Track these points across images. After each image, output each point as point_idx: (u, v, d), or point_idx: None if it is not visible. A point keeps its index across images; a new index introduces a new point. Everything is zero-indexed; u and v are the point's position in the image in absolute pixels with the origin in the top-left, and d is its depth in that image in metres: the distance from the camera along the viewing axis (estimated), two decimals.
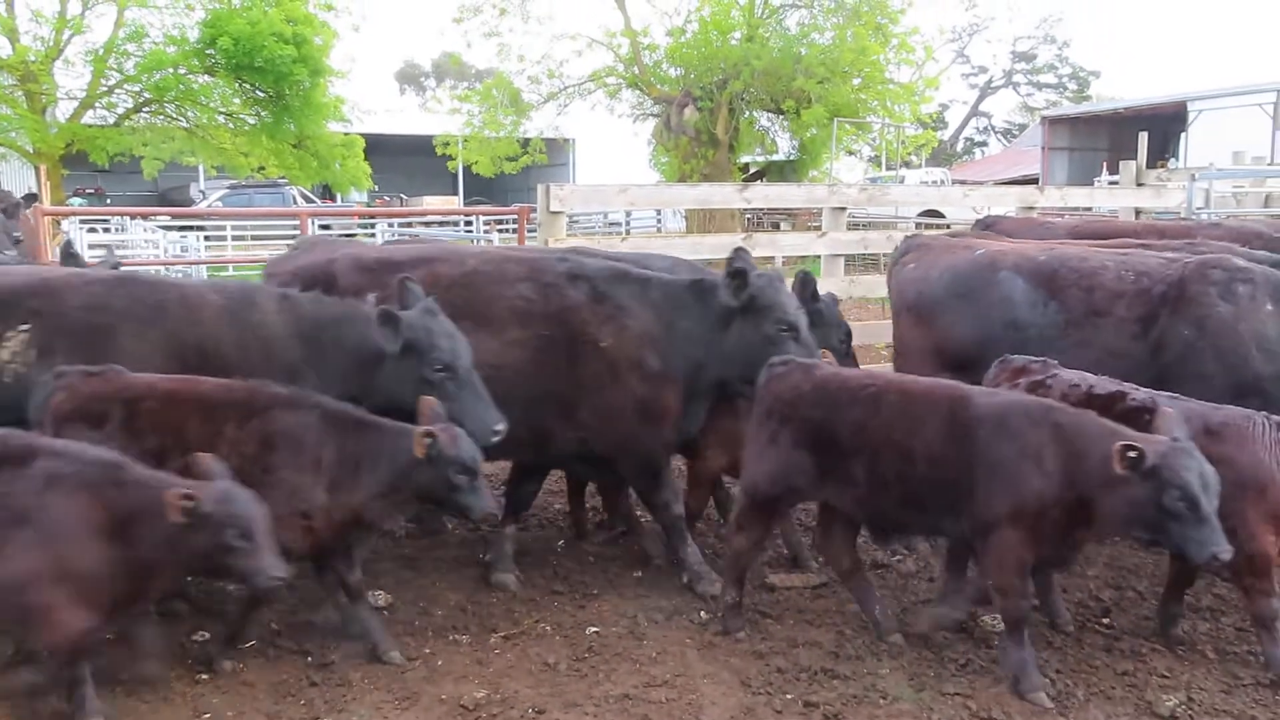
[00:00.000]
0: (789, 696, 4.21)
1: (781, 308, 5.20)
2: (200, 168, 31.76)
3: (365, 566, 5.47)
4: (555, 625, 4.86)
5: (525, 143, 28.43)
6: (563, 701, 4.14)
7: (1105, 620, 4.95)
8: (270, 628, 4.75)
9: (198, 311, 4.75)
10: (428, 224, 26.12)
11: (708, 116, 25.44)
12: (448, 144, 29.63)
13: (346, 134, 24.91)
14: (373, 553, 5.70)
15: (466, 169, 32.18)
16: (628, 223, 30.35)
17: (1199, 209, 12.95)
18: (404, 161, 42.70)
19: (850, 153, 32.73)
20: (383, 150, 33.85)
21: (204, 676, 4.31)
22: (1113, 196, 14.10)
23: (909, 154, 33.48)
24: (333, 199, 35.04)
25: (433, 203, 37.19)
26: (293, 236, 22.67)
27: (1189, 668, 4.49)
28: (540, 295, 5.26)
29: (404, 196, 40.86)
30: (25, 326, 4.49)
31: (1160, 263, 5.75)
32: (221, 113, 23.14)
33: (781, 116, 26.95)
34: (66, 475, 3.70)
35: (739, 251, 5.34)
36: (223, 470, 3.86)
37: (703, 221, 22.20)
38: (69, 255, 7.06)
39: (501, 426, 4.70)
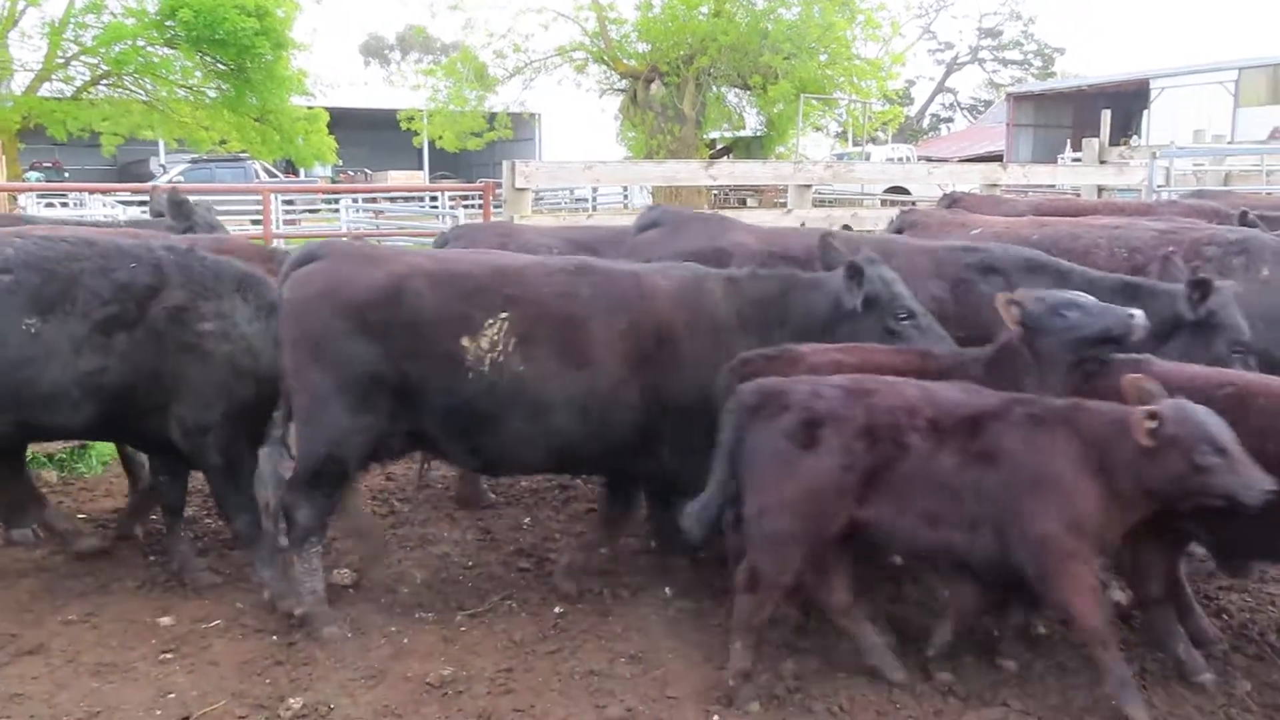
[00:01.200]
0: None
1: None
2: (160, 142, 31.27)
3: (330, 545, 5.51)
4: (522, 603, 4.88)
5: (491, 118, 28.24)
6: (529, 678, 4.17)
7: None
8: (236, 606, 4.75)
9: (653, 297, 4.69)
10: (392, 199, 25.94)
11: (674, 92, 25.42)
12: (412, 119, 29.37)
13: (310, 108, 24.61)
14: (339, 535, 5.71)
15: (431, 144, 31.92)
16: (594, 199, 30.28)
17: (1160, 186, 13.12)
18: (368, 136, 42.28)
19: (817, 129, 32.83)
20: (347, 124, 33.44)
21: (168, 656, 4.31)
22: (1075, 174, 14.25)
23: (875, 130, 33.58)
24: (296, 174, 34.66)
25: (397, 178, 36.92)
26: (256, 212, 22.46)
27: (1142, 637, 4.58)
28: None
29: (368, 171, 40.52)
30: (504, 315, 4.50)
31: (1152, 237, 5.82)
32: (182, 86, 22.76)
33: (748, 92, 26.98)
34: (1041, 415, 3.69)
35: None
36: (1160, 390, 3.67)
37: (669, 198, 22.15)
38: (176, 204, 7.55)
39: None
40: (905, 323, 4.65)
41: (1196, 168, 18.41)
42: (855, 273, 4.63)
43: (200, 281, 4.76)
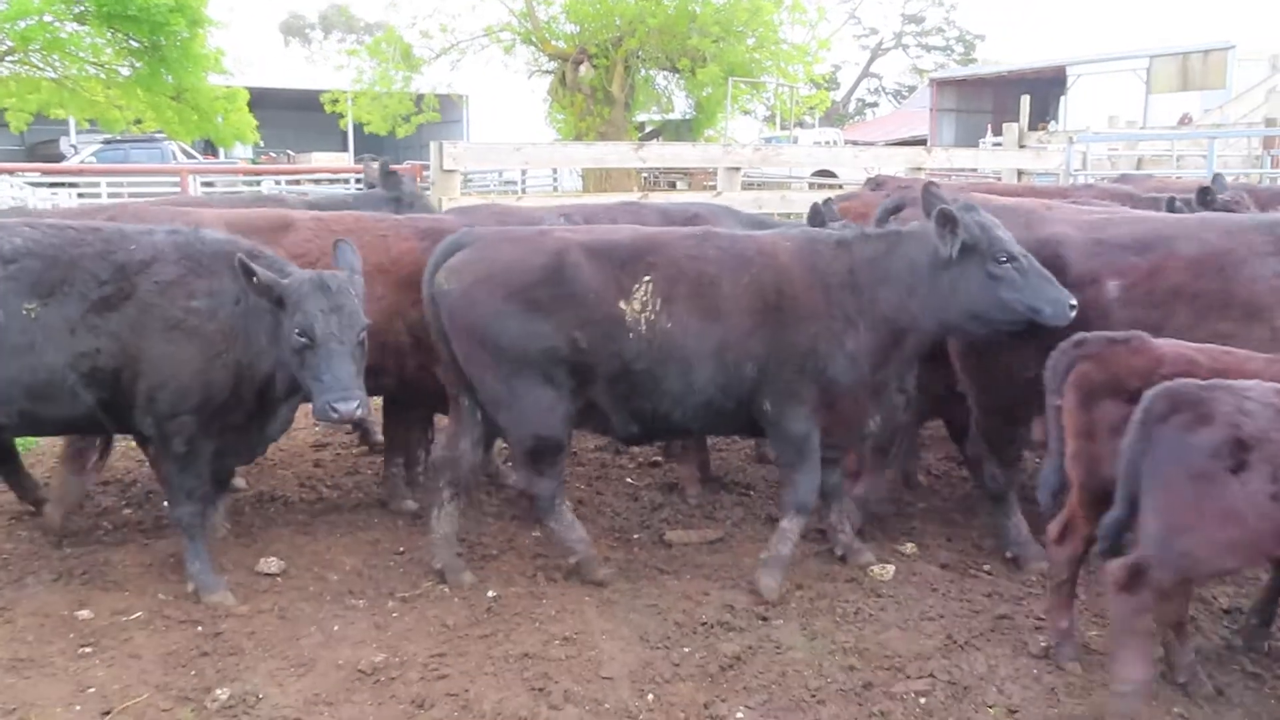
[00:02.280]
0: (686, 650, 4.29)
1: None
2: (71, 121, 30.22)
3: (257, 534, 5.41)
4: (455, 588, 4.84)
5: (418, 100, 27.83)
6: (462, 662, 4.15)
7: (986, 567, 5.16)
8: (158, 598, 4.64)
9: (774, 258, 4.85)
10: (317, 181, 25.44)
11: (603, 74, 25.31)
12: (336, 100, 28.81)
13: (229, 87, 23.96)
14: (265, 520, 5.61)
15: (358, 126, 31.35)
16: (523, 181, 30.03)
17: (1076, 170, 13.44)
18: (291, 117, 41.35)
19: (745, 112, 32.98)
20: (269, 105, 32.66)
21: (87, 649, 4.19)
22: (996, 158, 14.53)
23: (802, 114, 33.85)
24: (215, 154, 33.77)
25: (321, 160, 36.19)
26: (173, 193, 21.84)
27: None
28: None
29: (291, 153, 39.64)
30: (647, 278, 4.74)
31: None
32: (92, 63, 21.94)
33: (677, 75, 26.96)
34: None
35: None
36: None
37: (599, 180, 22.10)
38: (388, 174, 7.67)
39: (1075, 301, 4.62)
40: (1006, 266, 4.66)
41: (1111, 152, 18.91)
42: (947, 220, 4.68)
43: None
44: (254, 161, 35.86)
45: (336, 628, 4.43)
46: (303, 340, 4.35)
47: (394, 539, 5.44)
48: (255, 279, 4.37)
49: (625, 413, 4.86)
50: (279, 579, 4.89)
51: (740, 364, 4.77)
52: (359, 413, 4.38)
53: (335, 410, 4.30)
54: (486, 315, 4.67)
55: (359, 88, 27.88)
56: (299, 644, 4.28)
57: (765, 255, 4.87)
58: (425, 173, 8.82)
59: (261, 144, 32.77)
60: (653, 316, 4.71)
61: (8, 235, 4.51)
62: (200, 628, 4.38)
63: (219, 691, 3.86)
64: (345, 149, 41.14)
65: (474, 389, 4.86)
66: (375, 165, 8.51)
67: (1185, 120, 26.32)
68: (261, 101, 26.90)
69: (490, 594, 4.76)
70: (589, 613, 4.61)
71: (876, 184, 9.04)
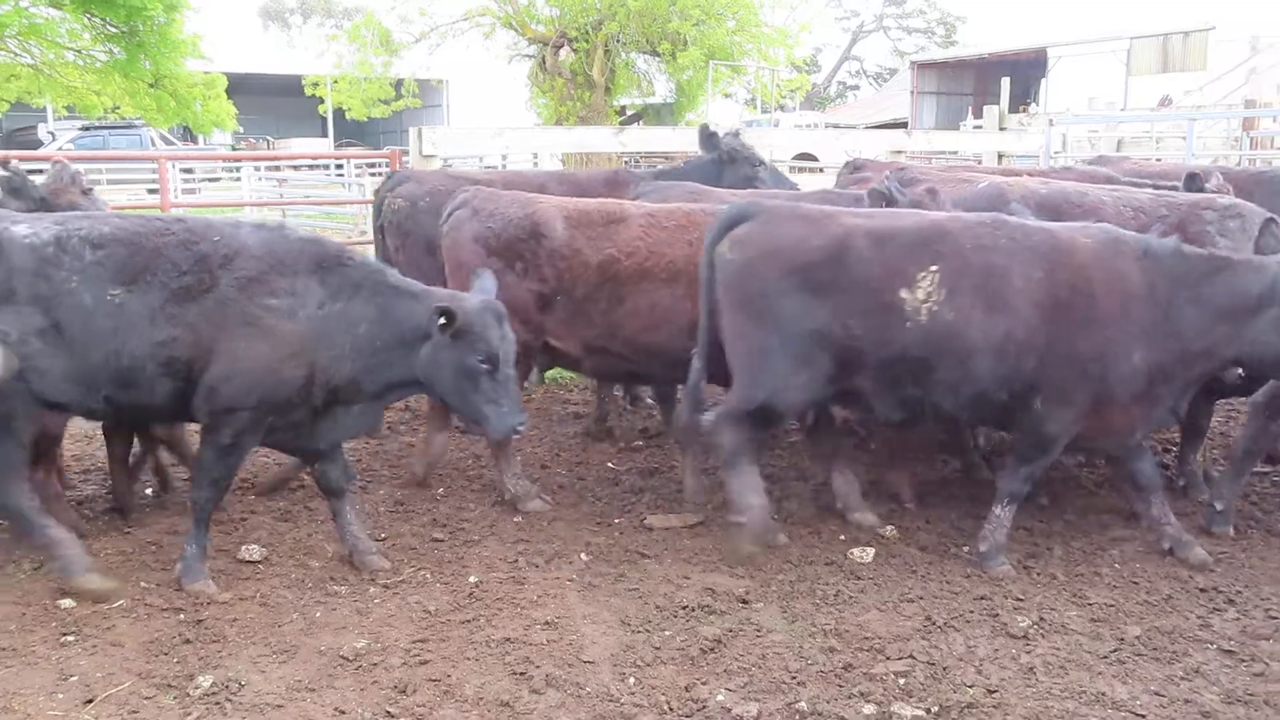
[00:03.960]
0: (667, 633, 4.32)
1: None
2: (49, 108, 29.90)
3: (239, 521, 5.40)
4: (435, 572, 4.86)
5: (398, 84, 27.64)
6: (444, 648, 4.16)
7: (965, 548, 5.20)
8: (140, 585, 4.63)
9: (1070, 254, 4.78)
10: (296, 168, 25.29)
11: (583, 58, 25.16)
12: (317, 85, 28.57)
13: (207, 73, 23.73)
14: (249, 511, 5.60)
15: (338, 112, 31.12)
16: (504, 166, 29.93)
17: (1057, 152, 13.49)
18: (271, 103, 41.08)
19: (726, 96, 32.88)
20: (248, 90, 32.40)
21: (69, 638, 4.18)
22: (976, 140, 14.57)
23: (783, 97, 33.78)
24: (194, 141, 33.50)
25: (301, 146, 35.96)
26: (152, 180, 21.67)
27: (1041, 589, 4.77)
28: None
29: (270, 139, 39.37)
30: (934, 267, 4.71)
31: (1151, 199, 6.14)
32: (70, 49, 21.72)
33: (657, 59, 26.82)
34: None
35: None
36: None
37: (580, 164, 22.02)
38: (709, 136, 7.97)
39: None
40: None
41: (1091, 134, 18.98)
42: None
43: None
44: (234, 148, 35.61)
45: (319, 614, 4.44)
46: (485, 367, 4.57)
47: (375, 525, 5.44)
48: (453, 319, 4.51)
49: (892, 398, 4.91)
50: (261, 566, 4.89)
51: (1022, 359, 4.74)
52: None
53: (519, 430, 4.71)
54: (763, 288, 4.78)
55: (339, 73, 27.65)
56: (281, 631, 4.28)
57: (1061, 252, 4.79)
58: (404, 158, 8.78)
59: (241, 130, 32.56)
60: (936, 307, 4.71)
61: (98, 223, 4.57)
62: (182, 615, 4.38)
63: (201, 679, 3.86)
64: (324, 134, 40.90)
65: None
66: (701, 130, 8.64)
67: (1165, 102, 26.43)
68: (241, 87, 26.69)
69: (472, 579, 4.78)
70: (570, 597, 4.63)
71: (855, 167, 9.06)
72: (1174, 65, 32.79)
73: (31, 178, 5.78)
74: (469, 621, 4.39)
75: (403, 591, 4.67)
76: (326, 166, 25.35)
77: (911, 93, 43.95)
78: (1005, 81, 16.51)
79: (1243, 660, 4.16)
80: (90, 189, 6.00)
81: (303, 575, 4.82)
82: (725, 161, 8.06)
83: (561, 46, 25.47)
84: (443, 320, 4.53)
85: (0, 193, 5.54)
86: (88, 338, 4.40)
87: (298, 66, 30.70)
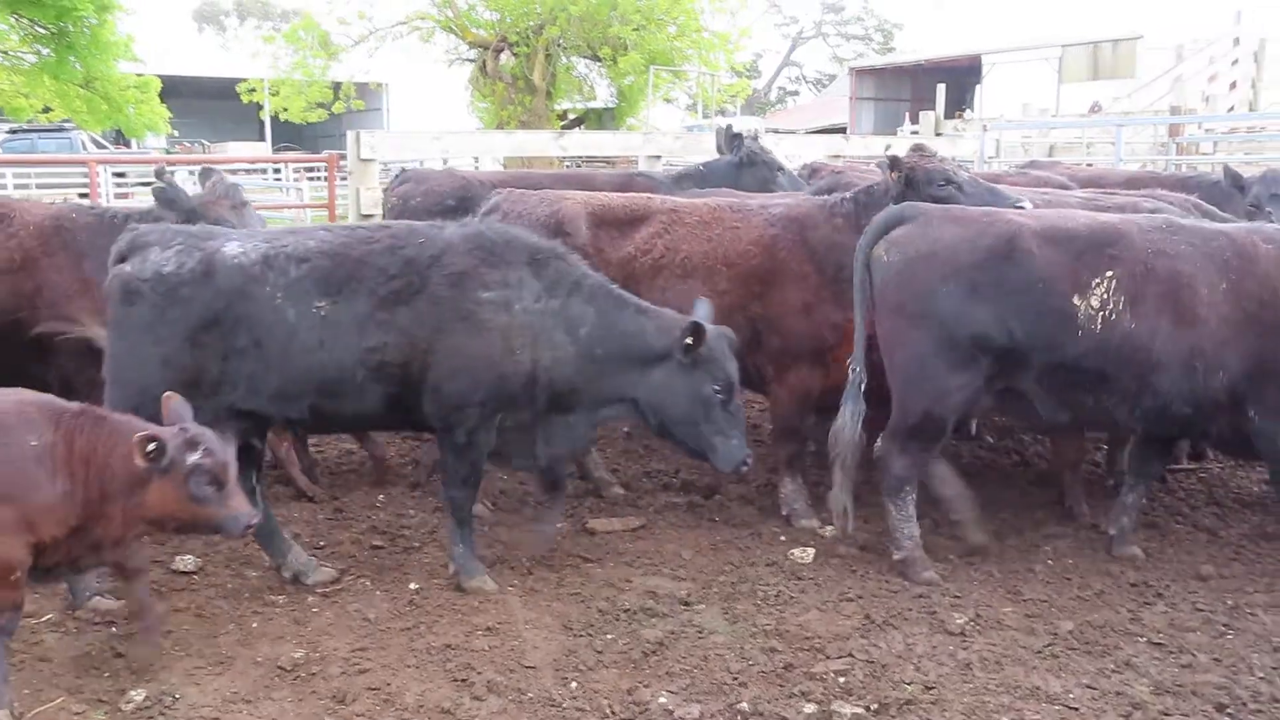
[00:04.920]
0: (609, 636, 4.31)
1: None
2: None
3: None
4: (375, 580, 4.81)
5: (336, 88, 27.34)
6: (384, 656, 4.12)
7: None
8: (69, 599, 4.51)
9: (1253, 261, 4.63)
10: (234, 172, 24.86)
11: (524, 62, 25.16)
12: (254, 89, 28.15)
13: (140, 75, 23.25)
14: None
15: (275, 116, 30.68)
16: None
17: (990, 157, 13.73)
18: (207, 106, 40.36)
19: (668, 101, 33.03)
20: (182, 94, 31.75)
21: None
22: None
23: (724, 102, 34.02)
24: (127, 145, 32.78)
25: (238, 150, 35.35)
26: (83, 185, 21.13)
27: (977, 587, 4.85)
28: None
29: (206, 143, 38.65)
30: (1110, 273, 4.59)
31: (1080, 203, 6.25)
32: None
33: (599, 63, 26.89)
34: None
35: None
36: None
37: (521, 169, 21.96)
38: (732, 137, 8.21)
39: None
40: None
41: (1025, 140, 19.35)
42: None
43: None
44: (168, 152, 34.89)
45: (255, 624, 4.37)
46: (721, 395, 4.52)
47: (313, 533, 5.38)
48: (701, 341, 4.46)
49: (1058, 403, 4.80)
50: (195, 577, 4.80)
51: (1211, 372, 4.59)
52: None
53: (747, 465, 4.68)
54: (922, 292, 4.70)
55: (275, 75, 27.27)
56: (216, 642, 4.21)
57: (1243, 258, 4.67)
58: (342, 162, 8.69)
59: (176, 134, 31.90)
60: (1112, 315, 4.59)
61: (304, 238, 4.60)
62: (114, 628, 4.28)
63: (134, 693, 3.77)
64: (262, 138, 40.27)
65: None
66: (722, 130, 8.81)
67: (1095, 108, 27.03)
68: (175, 91, 26.19)
69: (412, 586, 4.73)
70: (512, 603, 4.61)
71: (812, 170, 9.18)
72: (1104, 72, 33.56)
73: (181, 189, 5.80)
74: (409, 629, 4.35)
75: (342, 600, 4.61)
76: (264, 171, 24.92)
77: (850, 99, 44.49)
78: (941, 88, 16.83)
79: (1171, 652, 4.26)
80: (246, 202, 5.94)
81: (239, 585, 4.74)
82: (745, 164, 8.13)
83: (502, 51, 25.44)
84: (690, 341, 4.43)
85: (155, 204, 5.54)
86: (290, 351, 4.37)
87: (233, 70, 30.20)
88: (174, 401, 3.85)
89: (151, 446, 3.56)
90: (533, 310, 4.52)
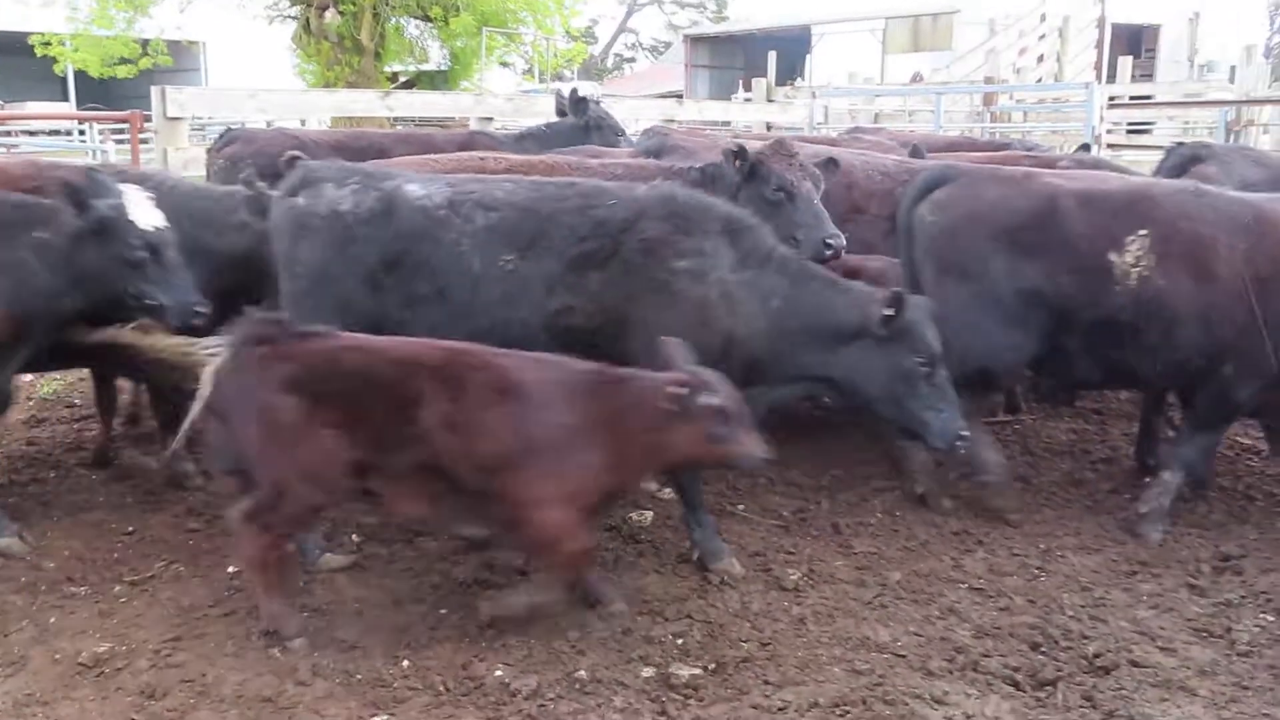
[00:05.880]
0: (443, 611, 4.18)
1: None
2: None
3: None
4: (190, 566, 4.52)
5: (144, 44, 25.62)
6: (199, 645, 3.87)
7: (741, 507, 5.31)
8: None
9: (1273, 225, 4.77)
10: (32, 132, 23.04)
11: (350, 21, 24.12)
12: (49, 44, 26.08)
13: None
14: None
15: (80, 74, 28.52)
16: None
17: (820, 124, 14.04)
18: (2, 62, 37.22)
19: (504, 65, 32.43)
20: None
21: None
22: (745, 111, 14.97)
23: (560, 67, 33.66)
24: None
25: (38, 110, 32.79)
26: None
27: (810, 543, 4.93)
28: None
29: (1, 102, 35.70)
30: (1142, 232, 4.72)
31: (895, 164, 6.50)
32: None
33: (430, 24, 26.10)
34: None
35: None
36: None
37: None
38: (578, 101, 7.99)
39: None
40: None
41: (851, 107, 19.89)
42: None
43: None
44: None
45: (53, 619, 4.03)
46: (925, 369, 4.28)
47: (122, 518, 5.01)
48: (902, 310, 4.22)
49: (1094, 360, 4.90)
50: None
51: (1221, 327, 4.73)
52: None
53: (964, 439, 4.46)
54: (970, 252, 4.80)
55: (74, 29, 25.32)
56: (8, 641, 3.86)
57: (1266, 223, 4.79)
58: (146, 121, 8.11)
59: None
60: (1146, 272, 4.71)
61: (492, 187, 4.42)
62: None
63: None
64: (65, 98, 37.47)
65: None
66: (565, 92, 8.85)
67: (916, 78, 28.04)
68: None
69: (230, 570, 4.46)
70: (340, 580, 4.41)
71: (654, 134, 9.16)
72: (924, 44, 34.87)
73: None
74: (228, 615, 4.10)
75: (153, 588, 4.31)
76: (68, 131, 23.19)
77: (685, 66, 44.81)
78: (773, 56, 17.07)
79: (990, 596, 4.44)
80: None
81: (35, 578, 4.36)
82: (591, 128, 8.18)
83: (327, 8, 24.31)
84: (890, 311, 4.18)
85: None
86: (474, 304, 4.11)
87: (29, 23, 27.85)
88: (673, 344, 3.87)
89: (678, 395, 3.64)
90: (728, 281, 4.29)
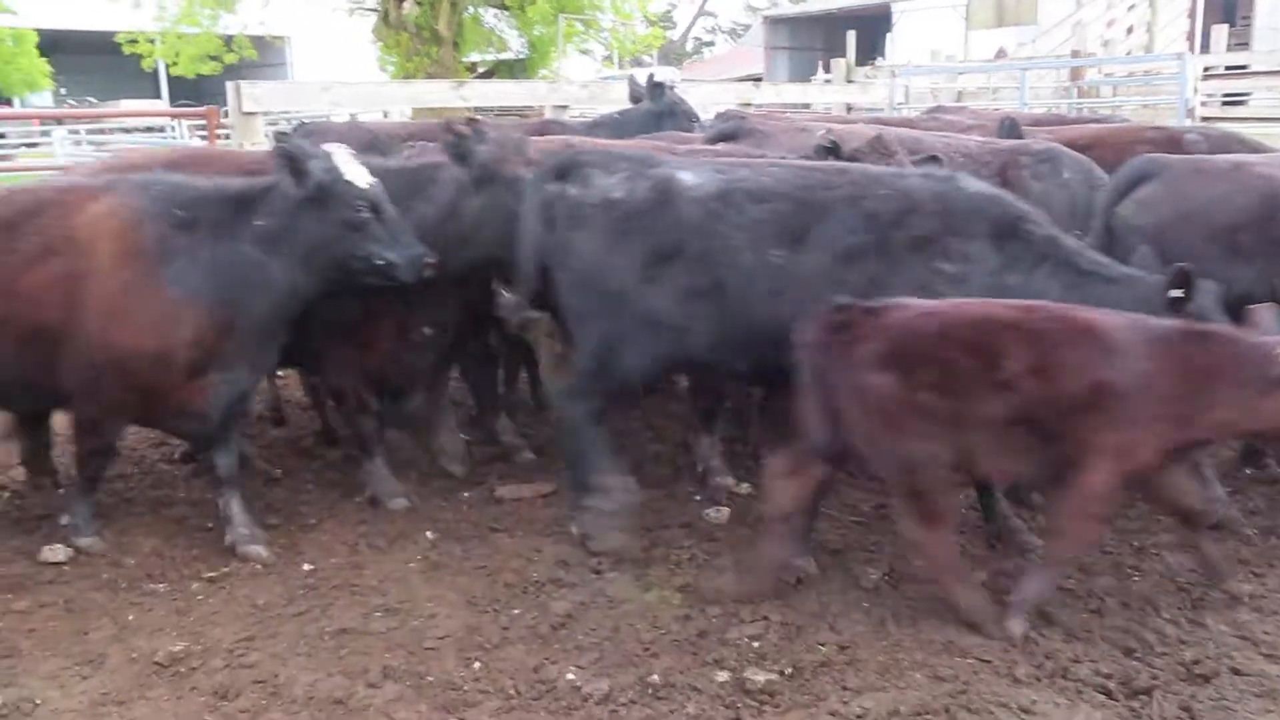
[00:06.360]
0: (516, 611, 4.13)
1: None
2: None
3: (41, 519, 4.95)
4: (267, 563, 4.53)
5: (229, 40, 26.17)
6: (273, 645, 3.87)
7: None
8: None
9: None
10: (127, 130, 23.73)
11: (429, 11, 24.29)
12: (135, 41, 26.80)
13: (15, 29, 21.98)
14: (51, 503, 5.14)
15: (169, 71, 29.27)
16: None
17: (900, 104, 13.70)
18: (96, 62, 38.31)
19: (583, 52, 32.41)
20: (66, 49, 30.22)
21: None
22: (824, 92, 14.68)
23: (638, 53, 33.52)
24: (9, 103, 31.11)
25: (129, 107, 33.80)
26: None
27: (891, 541, 4.75)
28: None
29: (93, 100, 36.88)
30: None
31: (978, 145, 6.22)
32: None
33: (506, 13, 26.18)
34: None
35: None
36: None
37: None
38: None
39: None
40: None
41: (933, 86, 19.41)
42: None
43: None
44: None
45: (132, 617, 4.07)
46: None
47: (201, 514, 5.04)
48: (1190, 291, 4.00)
49: None
50: (66, 568, 4.46)
51: None
52: None
53: None
54: (1183, 256, 4.22)
55: (162, 26, 25.97)
56: (87, 639, 3.90)
57: None
58: (224, 115, 8.22)
59: (63, 92, 30.34)
60: None
61: (757, 174, 4.18)
62: None
63: None
64: (159, 95, 38.55)
65: None
66: (640, 78, 8.69)
67: (1000, 54, 27.25)
68: (58, 45, 24.83)
69: (306, 567, 4.47)
70: (414, 580, 4.39)
71: (728, 118, 9.02)
72: (1009, 19, 33.87)
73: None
74: (301, 614, 4.09)
75: (229, 585, 4.33)
76: (162, 129, 23.81)
77: (765, 48, 44.28)
78: (852, 36, 16.71)
79: (1080, 598, 4.23)
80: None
81: (115, 575, 4.42)
82: (665, 114, 8.00)
83: (405, 0, 24.54)
84: (1178, 293, 3.99)
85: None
86: (748, 299, 4.03)
87: (122, 23, 28.64)
88: (1262, 311, 3.79)
89: None
90: (986, 286, 4.14)
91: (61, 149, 21.32)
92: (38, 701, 3.49)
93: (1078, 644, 3.87)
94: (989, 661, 3.77)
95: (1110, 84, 18.38)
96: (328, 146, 4.49)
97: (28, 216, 4.31)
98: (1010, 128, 7.15)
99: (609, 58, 33.23)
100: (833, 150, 5.33)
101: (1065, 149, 6.16)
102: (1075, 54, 20.20)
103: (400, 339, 4.99)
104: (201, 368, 4.34)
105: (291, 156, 4.30)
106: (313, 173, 4.29)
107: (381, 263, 4.37)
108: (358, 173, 4.39)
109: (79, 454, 4.65)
